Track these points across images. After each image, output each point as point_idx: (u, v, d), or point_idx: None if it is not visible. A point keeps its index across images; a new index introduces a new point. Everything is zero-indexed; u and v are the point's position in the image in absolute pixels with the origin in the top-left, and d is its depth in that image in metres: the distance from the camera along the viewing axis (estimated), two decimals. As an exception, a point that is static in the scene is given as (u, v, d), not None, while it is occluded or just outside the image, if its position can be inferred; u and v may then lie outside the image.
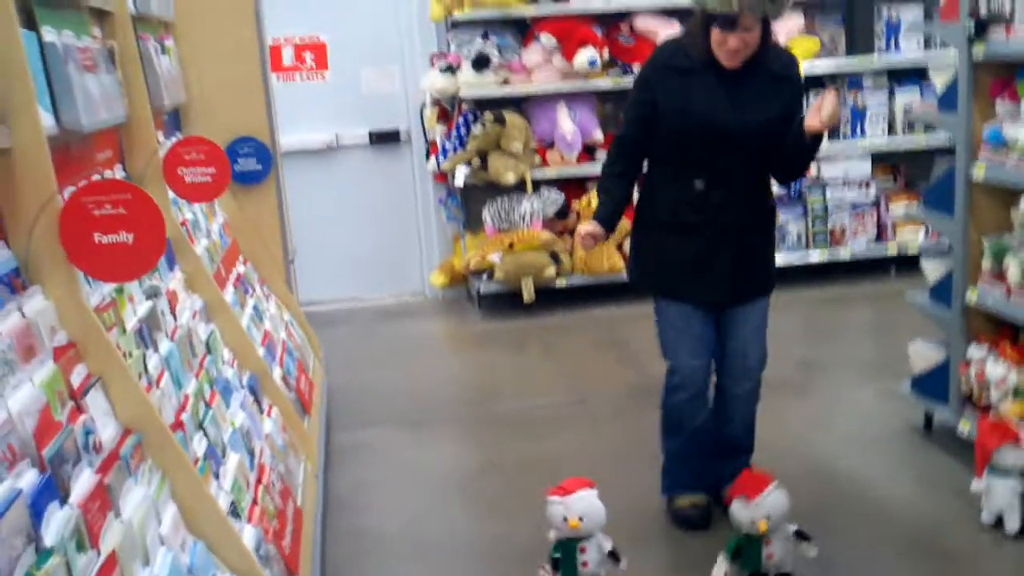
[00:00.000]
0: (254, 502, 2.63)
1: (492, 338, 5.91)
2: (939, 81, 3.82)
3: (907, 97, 6.44)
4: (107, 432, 2.05)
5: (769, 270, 3.37)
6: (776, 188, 6.23)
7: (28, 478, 1.65)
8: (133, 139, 3.20)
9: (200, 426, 2.60)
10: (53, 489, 1.69)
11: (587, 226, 3.25)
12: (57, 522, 1.65)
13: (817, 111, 3.01)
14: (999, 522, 3.17)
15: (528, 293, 5.99)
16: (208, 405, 2.74)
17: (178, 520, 2.14)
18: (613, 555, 2.89)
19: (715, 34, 3.02)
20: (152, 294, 2.76)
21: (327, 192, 6.54)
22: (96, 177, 2.76)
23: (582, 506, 2.84)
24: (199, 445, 2.52)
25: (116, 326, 2.38)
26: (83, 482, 1.82)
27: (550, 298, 6.14)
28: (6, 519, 1.48)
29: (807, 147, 3.12)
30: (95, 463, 1.91)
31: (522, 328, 5.94)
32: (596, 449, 4.12)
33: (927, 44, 6.39)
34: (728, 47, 3.01)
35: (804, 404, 4.52)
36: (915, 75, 6.44)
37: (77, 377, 2.03)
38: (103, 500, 1.84)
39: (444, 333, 6.27)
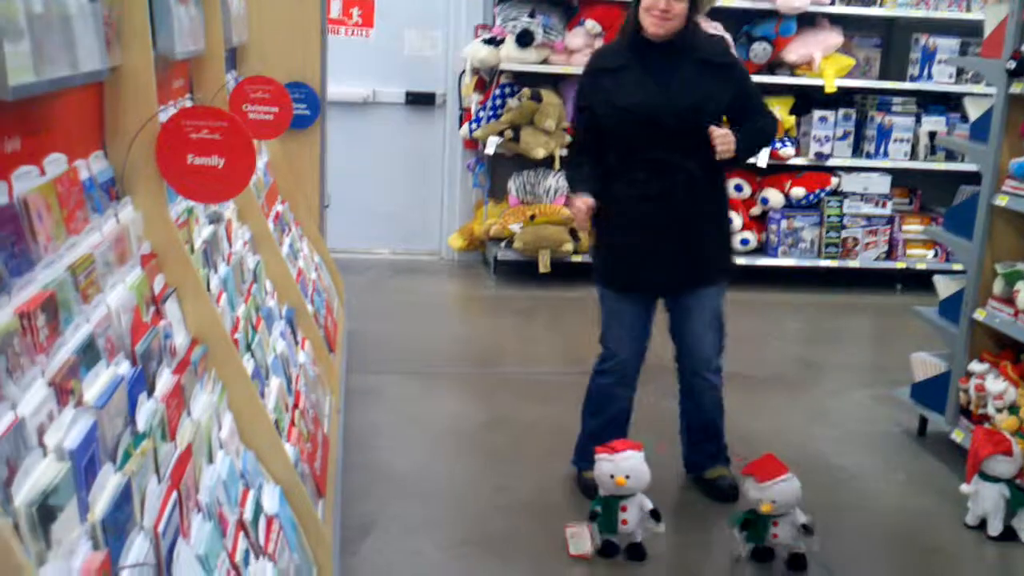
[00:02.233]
0: (292, 424, 2.80)
1: (504, 304, 6.08)
2: (973, 111, 3.98)
3: (933, 124, 6.59)
4: (179, 339, 2.21)
5: (716, 259, 3.44)
6: (798, 192, 6.41)
7: (124, 368, 1.81)
8: (204, 71, 3.33)
9: (248, 347, 2.76)
10: (143, 382, 1.86)
11: (580, 201, 3.30)
12: (146, 411, 1.81)
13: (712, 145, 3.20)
14: (982, 524, 3.37)
15: (544, 264, 6.14)
16: (255, 330, 2.91)
17: (234, 429, 2.31)
18: (654, 514, 3.06)
19: (644, 1, 3.17)
20: (215, 219, 2.92)
21: (359, 144, 6.67)
22: (171, 104, 2.91)
23: (629, 465, 3.02)
24: (247, 365, 2.67)
25: (187, 244, 2.54)
26: (165, 380, 1.98)
27: (564, 272, 6.29)
28: (112, 401, 1.64)
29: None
30: (172, 365, 2.08)
31: (534, 297, 6.11)
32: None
33: (958, 75, 6.54)
34: (656, 8, 3.14)
35: (802, 401, 4.70)
36: (943, 103, 6.61)
37: (158, 285, 2.19)
38: (179, 399, 2.01)
39: (457, 294, 6.45)
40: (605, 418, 3.55)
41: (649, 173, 3.27)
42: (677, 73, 3.24)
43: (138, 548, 1.55)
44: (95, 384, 1.65)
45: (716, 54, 3.34)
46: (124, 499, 1.56)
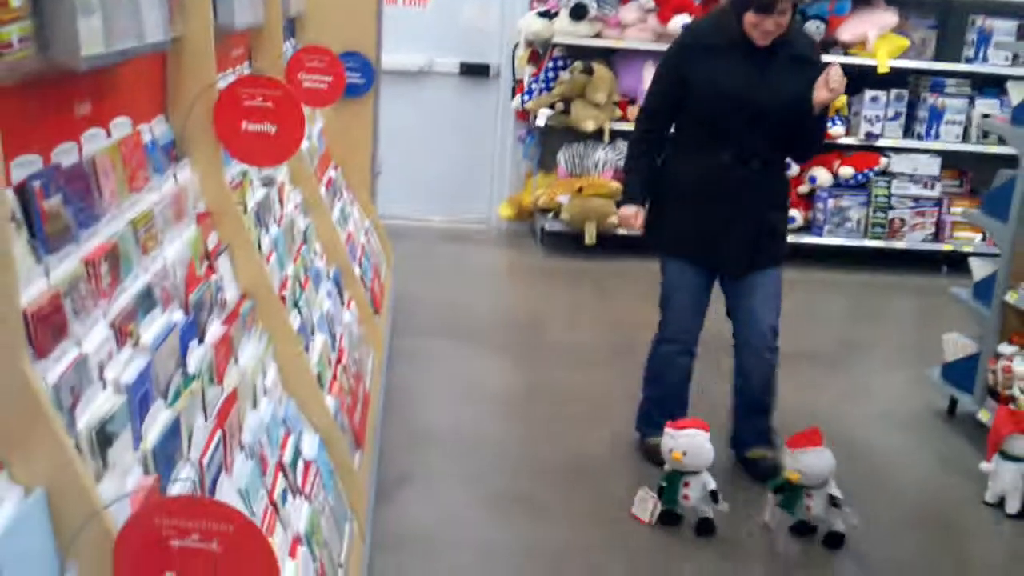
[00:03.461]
0: (333, 378, 2.96)
1: (550, 274, 6.21)
2: (1015, 95, 4.01)
3: (987, 107, 6.55)
4: (230, 293, 2.38)
5: (781, 243, 3.62)
6: (846, 172, 6.44)
7: (178, 316, 1.97)
8: (263, 41, 3.49)
9: (295, 304, 2.93)
10: (195, 329, 2.02)
11: (628, 209, 3.55)
12: (197, 356, 1.97)
13: (824, 84, 3.26)
14: (1002, 502, 3.46)
15: (590, 236, 6.25)
16: (302, 288, 3.07)
17: (277, 378, 2.48)
18: (713, 494, 3.17)
19: (750, 17, 3.25)
20: (267, 183, 3.08)
21: (412, 113, 6.81)
22: (231, 71, 3.07)
23: (687, 442, 3.13)
24: (294, 320, 2.84)
25: (240, 205, 2.70)
26: (215, 329, 2.15)
27: (610, 244, 6.38)
28: (166, 344, 1.81)
29: (815, 121, 3.37)
30: (222, 316, 2.24)
31: (579, 268, 6.23)
32: (638, 389, 4.40)
33: (1015, 58, 6.49)
34: (764, 29, 3.25)
35: (838, 379, 4.77)
36: (998, 86, 6.56)
37: (211, 242, 2.36)
38: (228, 347, 2.17)
39: (504, 262, 6.59)
40: (665, 385, 3.68)
41: (733, 154, 3.39)
42: (776, 67, 3.34)
43: (185, 476, 1.72)
44: (151, 328, 1.81)
45: (806, 49, 3.47)
46: (173, 432, 1.73)
